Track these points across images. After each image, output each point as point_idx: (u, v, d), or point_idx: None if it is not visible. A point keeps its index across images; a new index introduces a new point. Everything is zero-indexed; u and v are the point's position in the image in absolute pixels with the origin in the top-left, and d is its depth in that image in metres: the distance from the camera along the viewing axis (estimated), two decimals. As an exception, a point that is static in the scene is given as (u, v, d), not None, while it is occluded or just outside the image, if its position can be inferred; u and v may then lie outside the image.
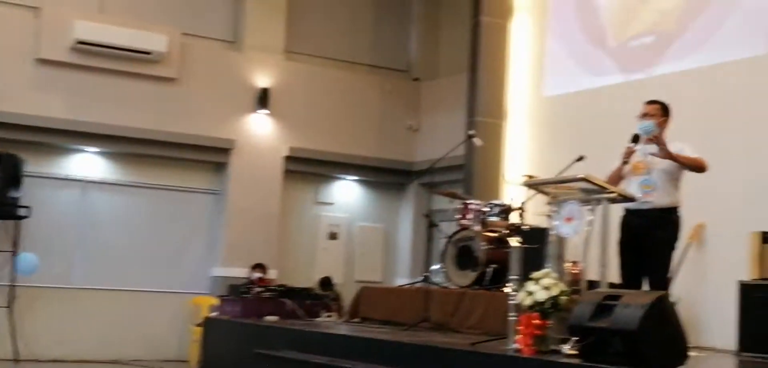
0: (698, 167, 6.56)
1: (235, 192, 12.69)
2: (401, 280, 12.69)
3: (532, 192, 6.87)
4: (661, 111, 6.71)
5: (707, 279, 8.56)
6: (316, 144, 13.17)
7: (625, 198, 6.18)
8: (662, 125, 6.67)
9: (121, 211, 12.38)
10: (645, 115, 6.70)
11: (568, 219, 5.84)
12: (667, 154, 6.45)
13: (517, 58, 11.57)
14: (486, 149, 10.65)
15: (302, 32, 13.48)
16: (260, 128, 12.87)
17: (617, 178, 6.65)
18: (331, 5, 13.80)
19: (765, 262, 7.41)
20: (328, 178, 13.83)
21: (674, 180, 6.63)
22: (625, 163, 6.61)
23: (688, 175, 6.67)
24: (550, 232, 5.97)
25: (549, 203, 6.06)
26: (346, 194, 14.03)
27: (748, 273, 7.48)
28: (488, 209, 8.70)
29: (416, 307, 8.00)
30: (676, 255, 6.92)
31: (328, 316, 9.09)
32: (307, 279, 12.14)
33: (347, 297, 10.03)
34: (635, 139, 6.62)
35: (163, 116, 12.21)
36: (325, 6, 13.76)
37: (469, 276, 8.39)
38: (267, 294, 9.21)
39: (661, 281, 6.49)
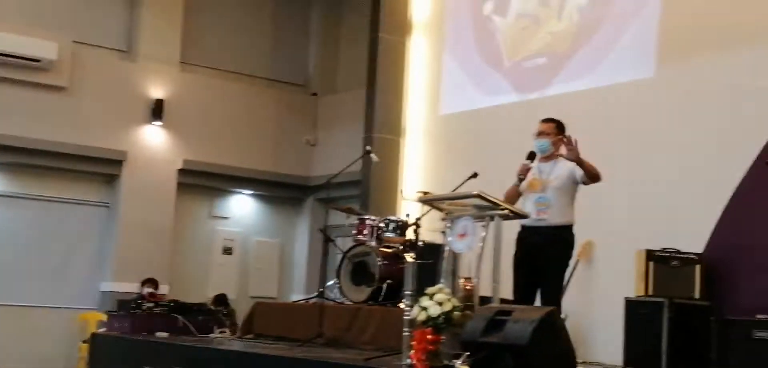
0: (597, 176, 6.69)
1: (127, 205, 12.39)
2: (297, 296, 12.61)
3: (427, 208, 6.91)
4: (556, 129, 6.84)
5: (595, 295, 8.75)
6: (211, 157, 12.99)
7: (517, 215, 6.28)
8: (557, 144, 6.81)
9: (6, 223, 11.94)
10: (541, 133, 6.83)
11: (462, 236, 5.90)
12: (576, 157, 6.56)
13: (414, 75, 11.67)
14: (383, 165, 10.71)
15: (199, 43, 13.30)
16: (153, 140, 12.62)
17: (515, 195, 6.74)
18: (229, 17, 13.65)
19: (650, 279, 7.62)
20: (224, 192, 13.66)
21: (569, 198, 6.75)
22: (520, 179, 6.71)
23: (581, 192, 6.81)
24: (445, 248, 6.01)
25: (443, 219, 6.11)
26: (242, 208, 13.88)
27: (634, 289, 7.68)
28: (384, 225, 8.70)
29: (311, 323, 7.94)
30: (567, 272, 7.06)
31: (222, 332, 8.96)
32: (201, 294, 11.93)
33: (242, 312, 9.90)
34: (531, 156, 6.75)
35: (52, 126, 11.83)
36: (223, 18, 13.60)
37: (364, 292, 8.39)
38: (158, 310, 9.02)
39: (553, 297, 6.60)
